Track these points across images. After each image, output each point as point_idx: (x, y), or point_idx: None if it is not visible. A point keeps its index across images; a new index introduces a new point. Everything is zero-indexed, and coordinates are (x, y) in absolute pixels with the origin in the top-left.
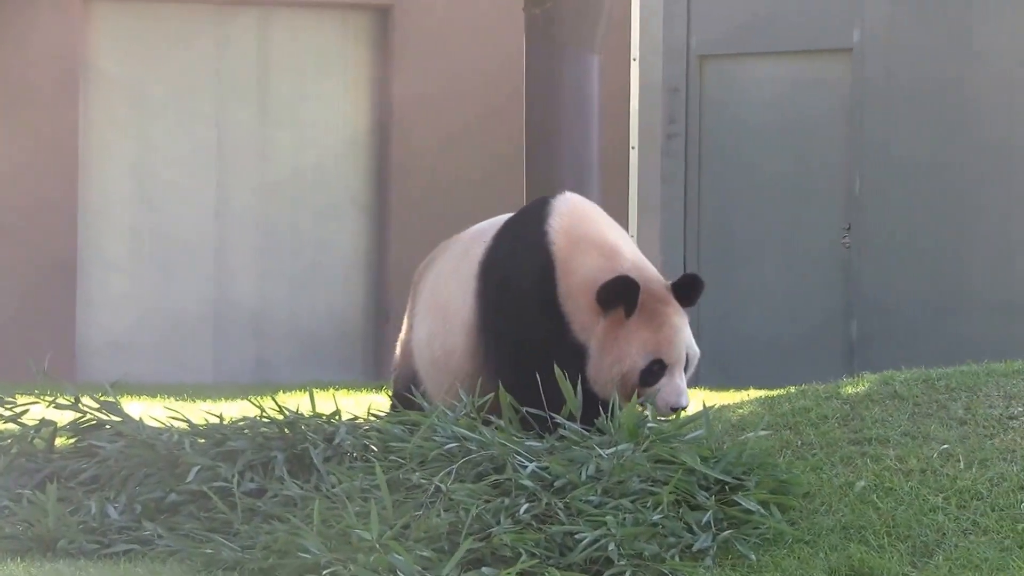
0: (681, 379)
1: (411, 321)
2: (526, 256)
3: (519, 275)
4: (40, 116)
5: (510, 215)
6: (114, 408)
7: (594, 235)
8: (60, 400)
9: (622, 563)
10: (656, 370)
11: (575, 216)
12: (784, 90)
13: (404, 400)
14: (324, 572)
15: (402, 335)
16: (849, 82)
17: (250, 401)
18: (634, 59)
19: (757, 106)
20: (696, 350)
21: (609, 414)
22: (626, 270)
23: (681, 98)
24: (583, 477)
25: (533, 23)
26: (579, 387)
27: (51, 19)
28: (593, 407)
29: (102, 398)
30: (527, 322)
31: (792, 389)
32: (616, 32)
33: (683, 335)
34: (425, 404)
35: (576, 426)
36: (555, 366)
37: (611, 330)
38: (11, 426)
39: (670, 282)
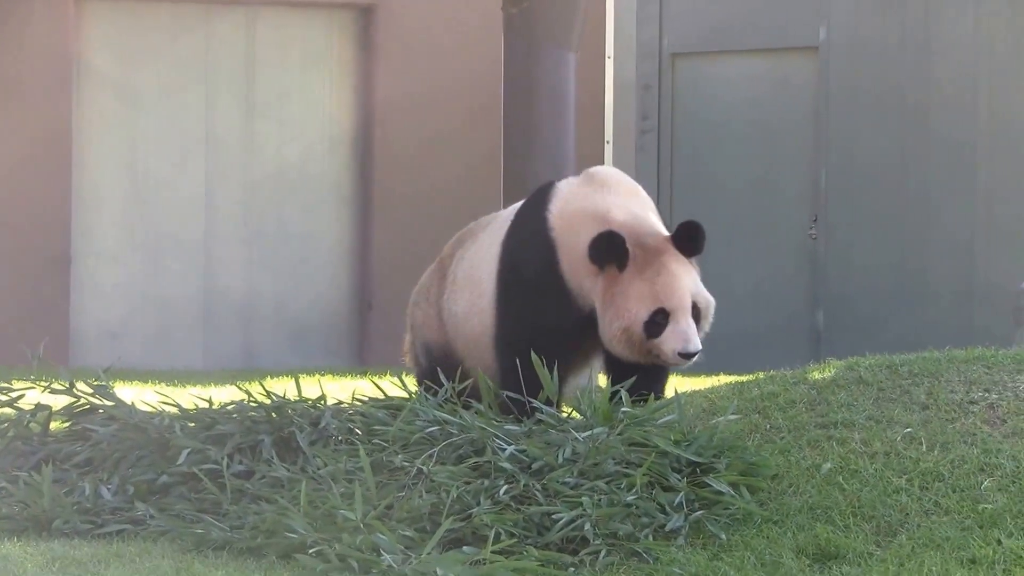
0: (688, 324)
1: (444, 294)
2: (530, 244)
3: (526, 262)
4: (34, 112)
5: (538, 188)
6: (107, 393)
7: (589, 208)
8: (55, 386)
9: (597, 542)
10: (659, 320)
11: (572, 195)
12: (753, 87)
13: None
14: (310, 551)
15: (424, 308)
16: (815, 79)
17: (238, 387)
18: (609, 57)
19: (727, 103)
20: (709, 298)
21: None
22: (614, 227)
23: (654, 95)
24: (560, 459)
25: (511, 22)
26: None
27: (45, 18)
28: (623, 369)
29: (95, 383)
30: (538, 305)
31: (761, 375)
32: (591, 31)
33: (683, 281)
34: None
35: (552, 410)
36: (532, 354)
37: (608, 288)
38: (8, 410)
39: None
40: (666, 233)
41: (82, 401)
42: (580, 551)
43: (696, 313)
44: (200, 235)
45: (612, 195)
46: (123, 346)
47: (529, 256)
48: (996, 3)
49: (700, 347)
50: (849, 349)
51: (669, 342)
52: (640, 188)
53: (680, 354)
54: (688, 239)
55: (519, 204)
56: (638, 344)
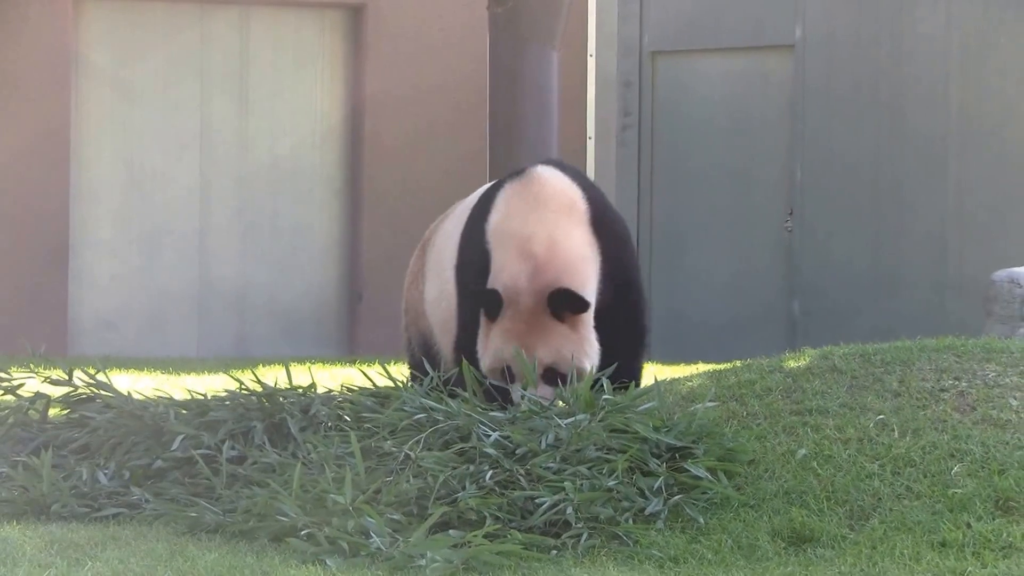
0: (516, 389)
1: (420, 280)
2: (473, 250)
3: (470, 264)
4: (33, 107)
5: (488, 187)
6: (105, 385)
7: (515, 231)
8: (55, 375)
9: (579, 526)
10: (509, 372)
11: (506, 209)
12: (731, 84)
13: (419, 364)
14: (301, 534)
15: (412, 291)
16: (791, 76)
17: (231, 375)
18: (591, 55)
19: (706, 99)
20: (578, 364)
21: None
22: (516, 277)
23: (634, 92)
24: (543, 445)
25: (496, 21)
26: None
27: (43, 15)
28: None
29: (93, 372)
30: (467, 307)
31: (738, 363)
32: (574, 29)
33: (529, 353)
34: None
35: (536, 397)
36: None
37: (485, 328)
38: (7, 398)
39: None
40: (565, 286)
41: (80, 390)
42: (562, 534)
43: (556, 375)
44: (195, 227)
45: (542, 213)
46: (120, 335)
47: (471, 259)
48: (967, 1)
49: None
50: (824, 338)
51: (514, 396)
52: (577, 196)
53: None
54: (559, 307)
55: (479, 194)
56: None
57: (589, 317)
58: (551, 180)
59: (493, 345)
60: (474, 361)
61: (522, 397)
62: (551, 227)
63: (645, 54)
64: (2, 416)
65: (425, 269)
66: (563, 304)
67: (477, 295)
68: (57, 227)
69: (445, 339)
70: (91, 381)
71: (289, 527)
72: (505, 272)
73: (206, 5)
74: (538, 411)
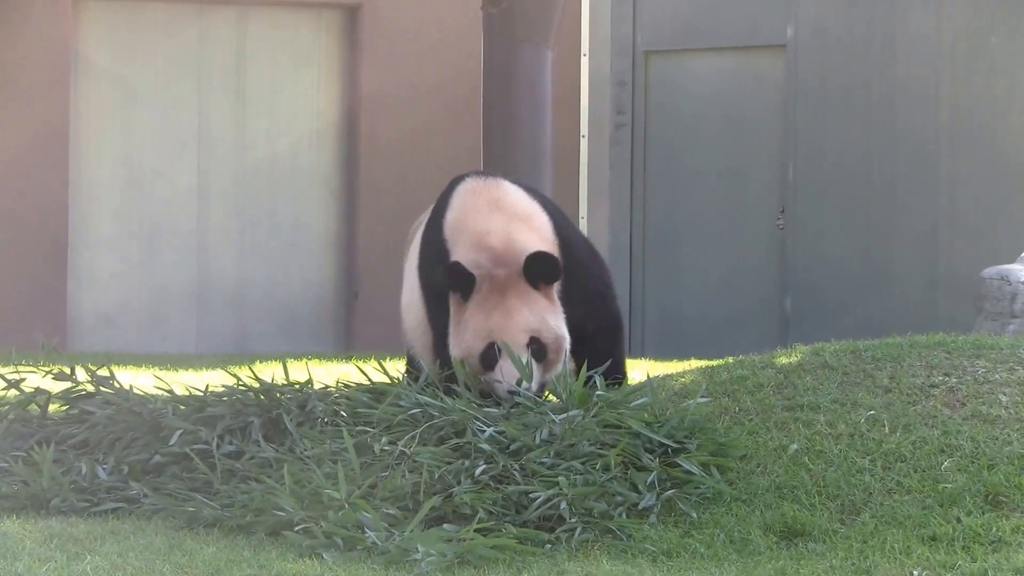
0: (510, 365)
1: (403, 282)
2: (431, 248)
3: (428, 264)
4: (33, 106)
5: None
6: (105, 381)
7: (471, 227)
8: (57, 371)
9: (573, 520)
10: (492, 354)
11: (463, 207)
12: (723, 83)
13: (412, 361)
14: (297, 528)
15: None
16: (783, 76)
17: (228, 371)
18: (584, 55)
19: (698, 98)
20: (558, 333)
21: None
22: (474, 258)
23: (628, 91)
24: (537, 441)
25: (491, 21)
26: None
27: (44, 15)
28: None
29: (96, 370)
30: (443, 308)
31: (730, 359)
32: (567, 29)
33: (516, 318)
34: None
35: (530, 394)
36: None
37: (456, 314)
38: (9, 393)
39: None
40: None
41: (81, 385)
42: (556, 529)
43: (540, 348)
44: (193, 225)
45: (498, 214)
46: (119, 332)
47: (431, 259)
48: (957, 2)
49: (525, 387)
50: (816, 335)
51: (497, 380)
52: (535, 208)
53: (508, 391)
54: (535, 271)
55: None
56: (474, 374)
57: (556, 288)
58: (507, 186)
59: (472, 323)
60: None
61: (507, 386)
62: (506, 225)
63: (638, 54)
64: (2, 412)
65: (404, 273)
66: (540, 267)
67: (447, 271)
68: (57, 224)
69: (418, 343)
70: (92, 378)
71: (286, 521)
72: (463, 261)
73: (204, 5)
74: (529, 403)
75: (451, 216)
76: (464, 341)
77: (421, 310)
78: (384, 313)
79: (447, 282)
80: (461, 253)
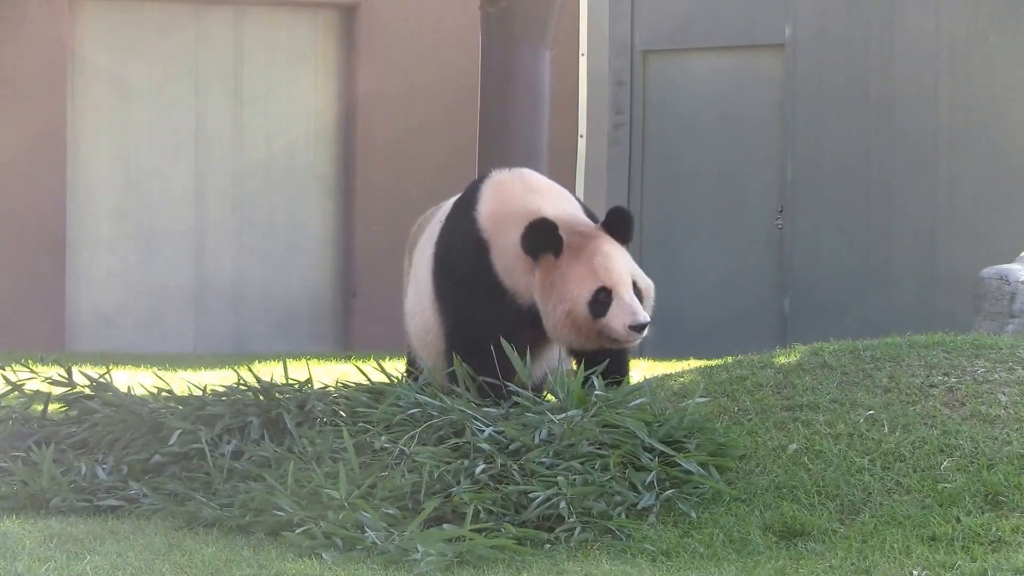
0: (632, 299)
1: (405, 287)
2: (464, 246)
3: (462, 264)
4: (31, 105)
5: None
6: (104, 384)
7: (517, 209)
8: (56, 374)
9: (572, 520)
10: (603, 298)
11: (499, 196)
12: (721, 83)
13: (412, 361)
14: (297, 528)
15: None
16: (781, 75)
17: (232, 369)
18: (582, 54)
19: (696, 98)
20: (648, 281)
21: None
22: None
23: (626, 90)
24: (536, 440)
25: (488, 21)
26: (527, 355)
27: (41, 15)
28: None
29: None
30: (477, 305)
31: (729, 359)
32: (566, 29)
33: (617, 260)
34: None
35: (529, 394)
36: (501, 338)
37: (546, 276)
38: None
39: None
40: (596, 224)
41: (78, 388)
42: (556, 528)
43: (637, 293)
44: (191, 224)
45: (541, 196)
46: (117, 331)
47: (462, 258)
48: (956, 2)
49: (648, 319)
50: (814, 334)
51: (617, 318)
52: (566, 192)
53: (631, 327)
54: (619, 225)
55: (449, 201)
56: (585, 327)
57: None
58: (539, 176)
59: (573, 274)
60: (478, 354)
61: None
62: (555, 202)
63: (636, 53)
64: (2, 413)
65: (407, 278)
66: (623, 223)
67: (535, 231)
68: (54, 224)
69: (425, 351)
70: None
71: (285, 521)
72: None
73: (201, 5)
74: (533, 406)
75: (485, 208)
76: (569, 292)
77: (430, 316)
78: (382, 312)
79: (539, 243)
80: (512, 235)
